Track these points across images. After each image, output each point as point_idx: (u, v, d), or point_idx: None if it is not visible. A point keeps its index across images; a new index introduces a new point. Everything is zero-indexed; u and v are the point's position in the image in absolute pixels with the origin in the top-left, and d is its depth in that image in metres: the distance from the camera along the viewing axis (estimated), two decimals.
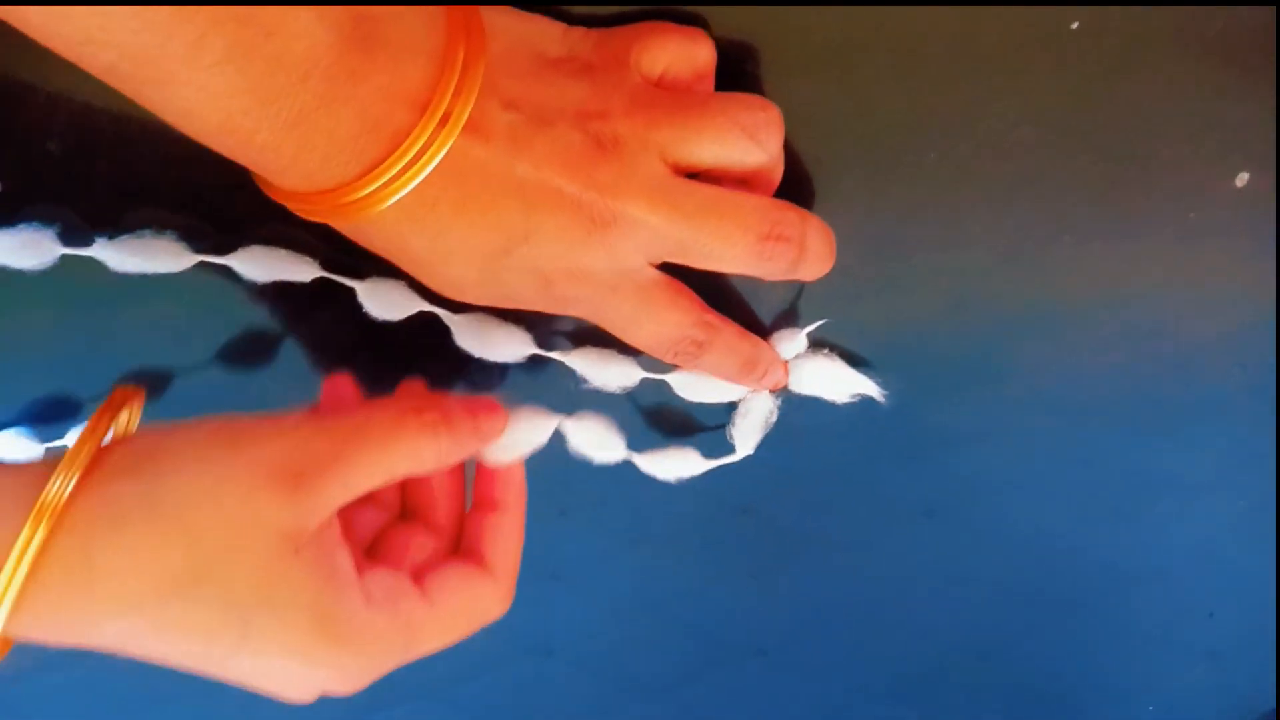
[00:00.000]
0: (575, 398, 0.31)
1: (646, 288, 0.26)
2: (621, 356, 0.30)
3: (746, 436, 0.31)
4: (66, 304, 0.30)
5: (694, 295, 0.27)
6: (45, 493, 0.21)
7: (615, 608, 0.35)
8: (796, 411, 0.32)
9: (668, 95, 0.25)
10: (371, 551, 0.26)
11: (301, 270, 0.29)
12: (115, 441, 0.23)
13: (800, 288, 0.31)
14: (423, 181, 0.23)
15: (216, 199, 0.29)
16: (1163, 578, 0.36)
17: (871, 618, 0.36)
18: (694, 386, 0.30)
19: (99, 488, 0.21)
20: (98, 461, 0.22)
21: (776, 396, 0.31)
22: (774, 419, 0.31)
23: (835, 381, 0.31)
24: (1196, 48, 0.29)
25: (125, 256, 0.28)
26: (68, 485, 0.21)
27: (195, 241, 0.29)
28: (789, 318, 0.31)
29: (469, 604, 0.25)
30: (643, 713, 0.37)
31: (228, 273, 0.29)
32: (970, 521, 0.35)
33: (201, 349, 0.31)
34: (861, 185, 0.30)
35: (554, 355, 0.30)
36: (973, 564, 0.35)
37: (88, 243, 0.28)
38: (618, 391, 0.31)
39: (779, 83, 0.28)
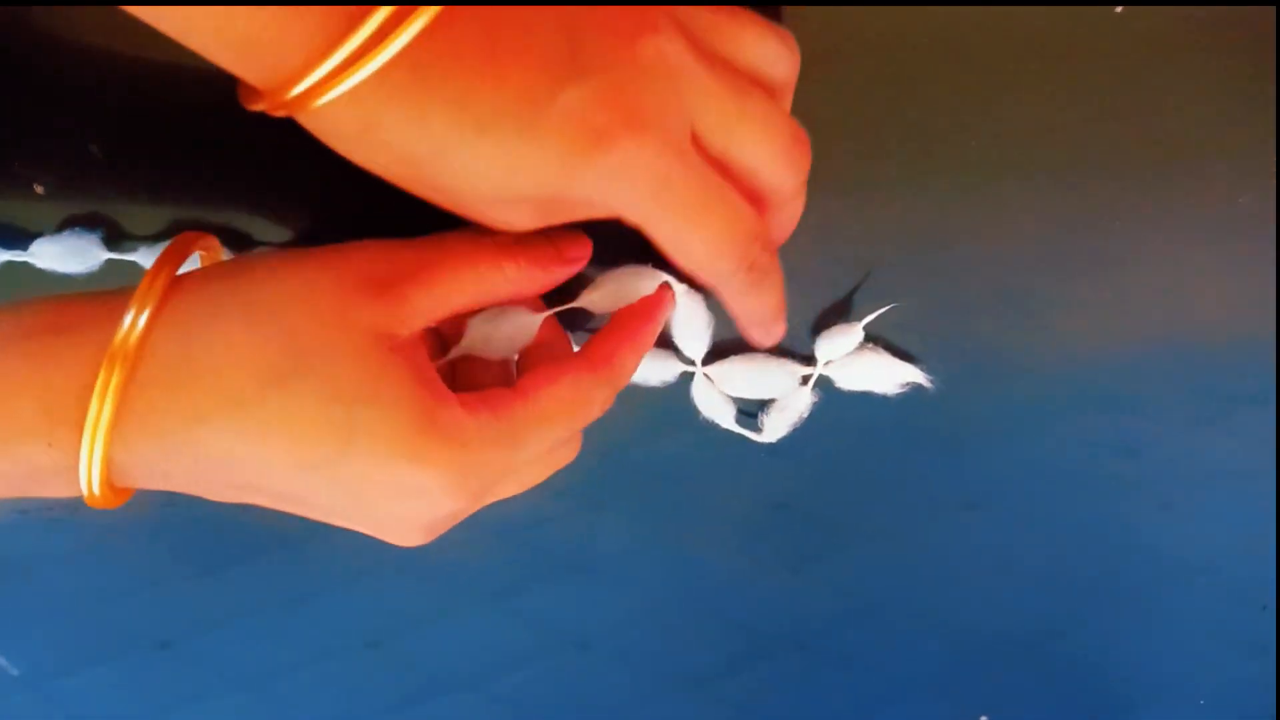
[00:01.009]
0: (623, 392, 0.31)
1: (706, 165, 0.22)
2: (659, 351, 0.30)
3: (778, 426, 0.31)
4: None
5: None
6: (118, 331, 0.20)
7: (653, 601, 0.35)
8: (832, 406, 0.31)
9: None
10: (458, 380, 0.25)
11: None
12: (192, 270, 0.23)
13: (858, 282, 0.30)
14: (439, 29, 0.18)
15: (259, 203, 0.29)
16: (1214, 570, 0.36)
17: (913, 611, 0.36)
18: (735, 380, 0.30)
19: (195, 288, 0.21)
20: (176, 287, 0.21)
21: (818, 391, 0.31)
22: (806, 414, 0.31)
23: (883, 374, 0.30)
24: (1245, 30, 0.28)
25: None
26: (140, 320, 0.20)
27: (237, 246, 0.29)
28: (842, 310, 0.31)
29: (569, 393, 0.23)
30: (681, 706, 0.37)
31: None
32: (1014, 513, 0.34)
33: None
34: (903, 174, 0.29)
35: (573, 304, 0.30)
36: (1016, 556, 0.35)
37: (131, 248, 0.29)
38: (658, 386, 0.31)
39: (819, 72, 0.27)
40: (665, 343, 0.30)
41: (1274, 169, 0.29)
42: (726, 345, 0.31)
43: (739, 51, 0.23)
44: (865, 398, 0.31)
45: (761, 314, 0.26)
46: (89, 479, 0.21)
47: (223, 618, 0.34)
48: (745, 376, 0.30)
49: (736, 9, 0.23)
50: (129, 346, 0.20)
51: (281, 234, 0.29)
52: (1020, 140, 0.29)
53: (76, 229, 0.28)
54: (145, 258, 0.28)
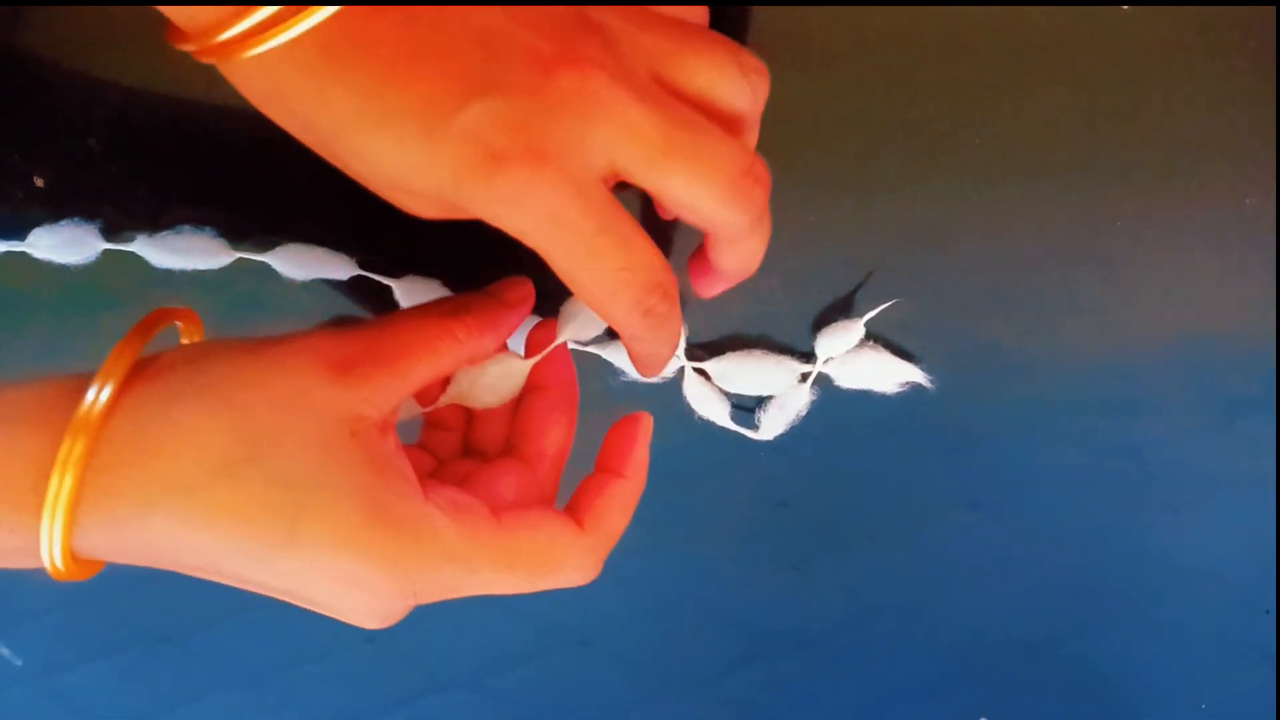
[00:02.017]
0: (613, 391, 0.31)
1: (612, 204, 0.21)
2: None
3: (775, 423, 0.31)
4: (107, 299, 0.30)
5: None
6: (82, 405, 0.20)
7: (653, 600, 0.35)
8: (834, 405, 0.31)
9: (667, 14, 0.22)
10: (442, 478, 0.24)
11: (339, 268, 0.29)
12: (161, 351, 0.23)
13: (860, 282, 0.30)
14: (359, 16, 0.18)
15: (256, 196, 0.29)
16: (1217, 574, 0.35)
17: (914, 611, 0.36)
18: (735, 377, 0.30)
19: (153, 379, 0.21)
20: (147, 363, 0.21)
21: (816, 390, 0.31)
22: (804, 412, 0.31)
23: (883, 372, 0.30)
24: (1249, 31, 0.28)
25: (165, 253, 0.28)
26: (102, 394, 0.20)
27: (235, 238, 0.29)
28: (843, 308, 0.30)
29: (545, 544, 0.22)
30: (681, 706, 0.37)
31: (267, 270, 0.29)
32: (1017, 514, 0.34)
33: None
34: (903, 174, 0.29)
35: (590, 349, 0.30)
36: (1019, 557, 0.35)
37: (129, 239, 0.29)
38: (658, 383, 0.30)
39: (818, 71, 0.27)
40: None
41: (1274, 170, 0.29)
42: (725, 341, 0.31)
43: (689, 80, 0.21)
44: (865, 397, 0.31)
45: (649, 361, 0.25)
46: (50, 557, 0.21)
47: (223, 613, 0.34)
48: (743, 373, 0.30)
49: (698, 32, 0.22)
50: (92, 419, 0.20)
51: (276, 226, 0.29)
52: (1022, 140, 0.29)
53: (74, 219, 0.28)
54: (143, 248, 0.28)
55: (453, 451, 0.27)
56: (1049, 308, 0.31)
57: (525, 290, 0.25)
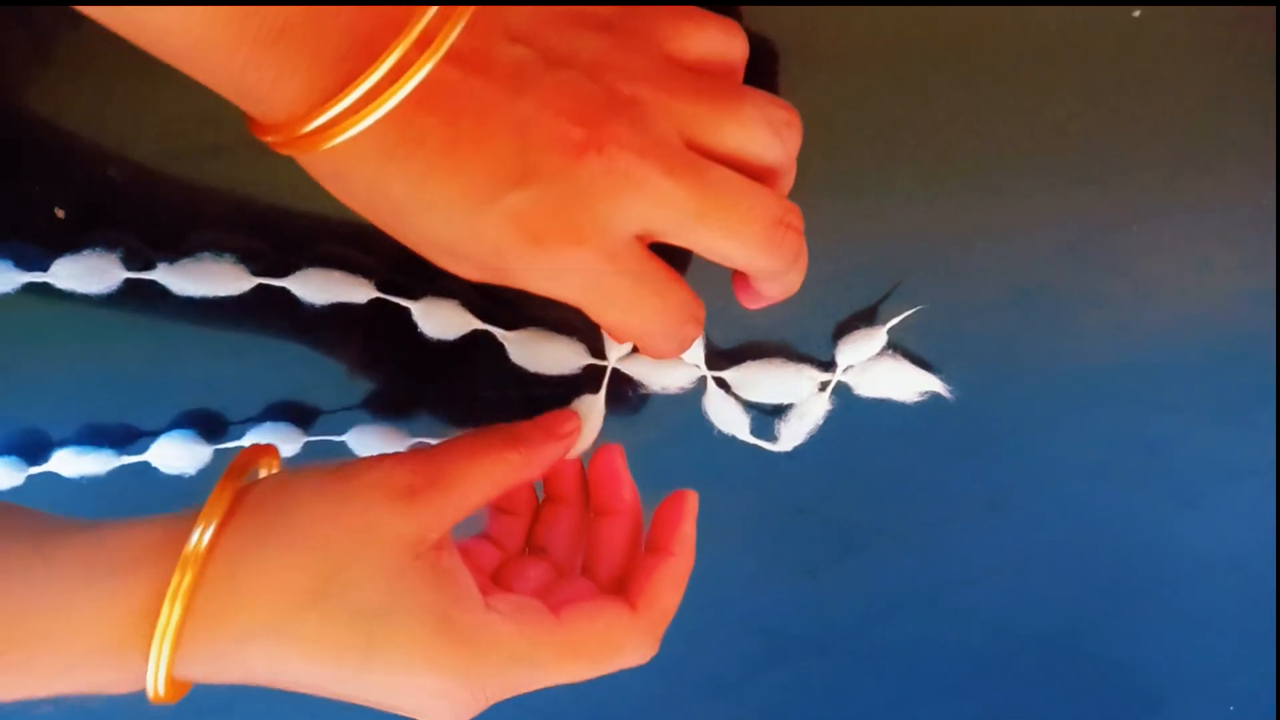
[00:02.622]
0: (634, 404, 0.31)
1: (645, 259, 0.23)
2: (677, 359, 0.30)
3: (795, 434, 0.31)
4: (129, 327, 0.30)
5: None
6: (188, 544, 0.23)
7: None
8: (849, 410, 0.31)
9: (694, 75, 0.23)
10: (503, 581, 0.27)
11: (357, 292, 0.29)
12: (250, 485, 0.25)
13: (889, 290, 0.30)
14: (410, 114, 0.20)
15: (274, 222, 0.29)
16: (1238, 567, 0.35)
17: (935, 612, 0.36)
18: (754, 385, 0.30)
19: (239, 525, 0.24)
20: (237, 503, 0.24)
21: (835, 398, 0.31)
22: (822, 420, 0.31)
23: (902, 382, 0.30)
24: (1261, 27, 0.27)
25: (186, 280, 0.29)
26: (205, 534, 0.23)
27: (253, 264, 0.29)
28: (867, 317, 0.30)
29: (604, 632, 0.25)
30: (704, 711, 0.37)
31: (286, 295, 0.29)
32: (1035, 513, 0.34)
33: (259, 372, 0.31)
34: (920, 177, 0.29)
35: (610, 363, 0.30)
36: (1038, 556, 0.35)
37: (150, 266, 0.29)
38: (677, 393, 0.31)
39: (833, 75, 0.27)
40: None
41: (1275, 170, 0.29)
42: (745, 349, 0.31)
43: (720, 142, 0.23)
44: (880, 404, 0.31)
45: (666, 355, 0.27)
46: (154, 684, 0.23)
47: None
48: (763, 382, 0.30)
49: (728, 92, 0.23)
50: (198, 555, 0.23)
51: (302, 254, 0.29)
52: (1036, 143, 0.29)
53: (96, 248, 0.28)
54: (164, 276, 0.29)
55: (519, 539, 0.29)
56: (1066, 307, 0.31)
57: (574, 423, 0.28)
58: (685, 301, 0.24)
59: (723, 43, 0.24)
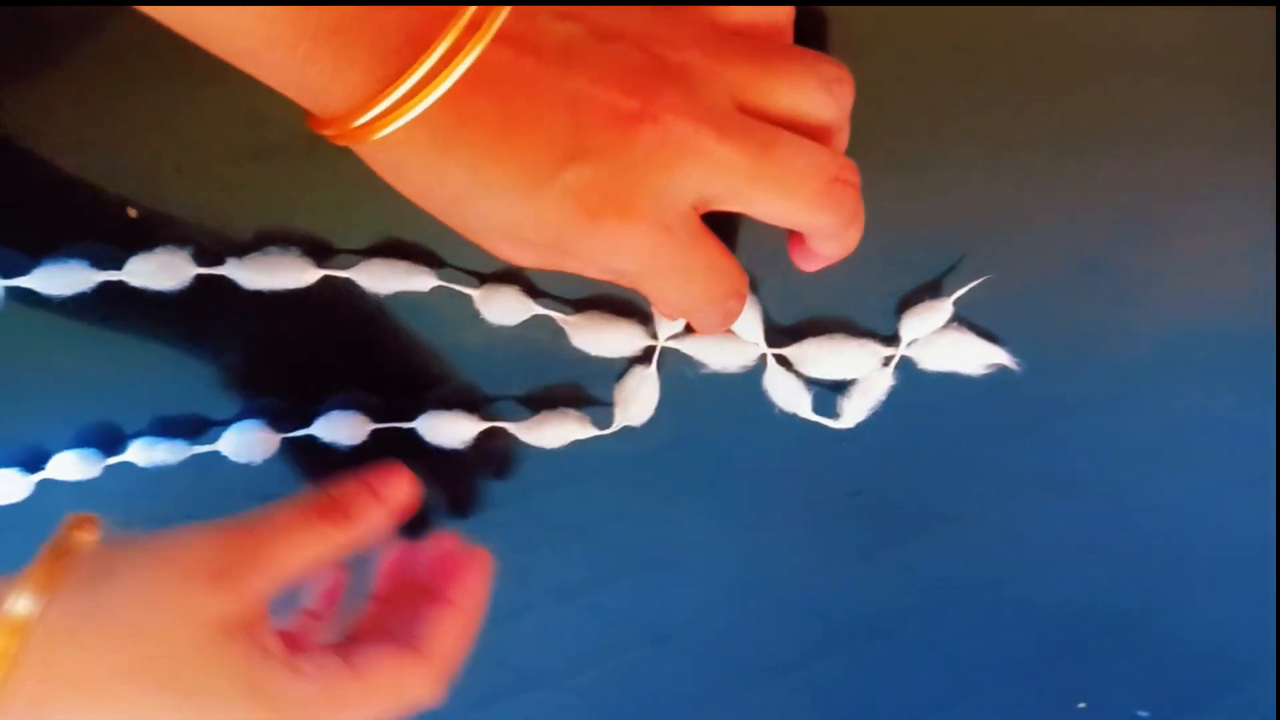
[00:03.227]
0: (694, 384, 0.31)
1: (699, 233, 0.23)
2: (736, 337, 0.30)
3: (857, 410, 0.31)
4: (200, 321, 0.31)
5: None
6: (11, 611, 0.24)
7: (729, 593, 0.35)
8: (908, 389, 0.31)
9: (741, 39, 0.23)
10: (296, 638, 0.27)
11: (420, 281, 0.29)
12: (70, 558, 0.26)
13: (954, 263, 0.30)
14: (461, 98, 0.21)
15: (336, 211, 0.30)
16: None
17: (997, 595, 0.35)
18: (816, 361, 0.30)
19: (59, 604, 0.24)
20: (59, 577, 0.25)
21: (898, 374, 0.31)
22: (884, 396, 0.31)
23: (968, 354, 0.30)
24: None
25: (254, 274, 0.29)
26: (34, 605, 0.24)
27: (318, 256, 0.30)
28: (931, 290, 0.30)
29: (396, 682, 0.26)
30: (759, 697, 0.37)
31: (350, 286, 0.30)
32: (1103, 492, 0.34)
33: (327, 361, 0.32)
34: (980, 150, 0.29)
35: (669, 343, 0.30)
36: (1104, 536, 0.34)
37: (219, 262, 0.29)
38: (738, 372, 0.31)
39: (887, 51, 0.27)
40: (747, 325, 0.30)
41: (1275, 168, 0.28)
42: (806, 325, 0.31)
43: (773, 103, 0.23)
44: (945, 379, 0.31)
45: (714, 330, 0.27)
46: None
47: None
48: (825, 357, 0.30)
49: (777, 53, 0.23)
50: (27, 623, 0.24)
51: (360, 241, 0.30)
52: (1099, 110, 0.28)
53: (168, 246, 0.29)
54: (233, 270, 0.29)
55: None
56: (1134, 279, 0.31)
57: (399, 483, 0.27)
58: (733, 275, 0.24)
59: (767, 8, 0.24)
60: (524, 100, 0.21)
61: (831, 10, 0.27)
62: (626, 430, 0.31)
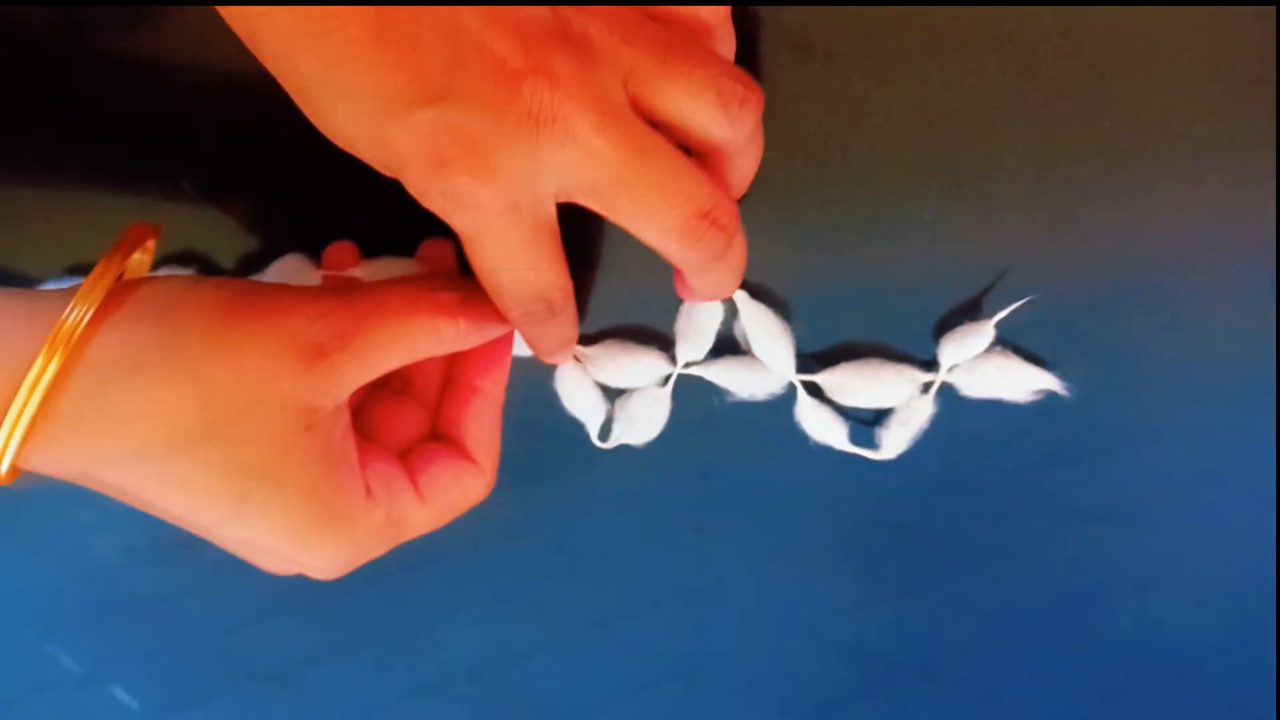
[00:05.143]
0: (720, 413, 0.29)
1: (543, 224, 0.21)
2: (763, 364, 0.29)
3: (898, 441, 0.29)
4: None
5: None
6: (60, 323, 0.21)
7: (763, 629, 0.34)
8: (951, 416, 0.29)
9: (656, 27, 0.21)
10: (360, 424, 0.25)
11: None
12: (137, 281, 0.23)
13: (992, 282, 0.28)
14: None
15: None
16: None
17: (1049, 631, 0.33)
18: (850, 390, 0.28)
19: (120, 327, 0.21)
20: (119, 299, 0.21)
21: (938, 402, 0.29)
22: (926, 425, 0.29)
23: (1013, 380, 0.28)
24: None
25: (377, 277, 0.28)
26: (84, 316, 0.21)
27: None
28: (969, 311, 0.28)
29: (459, 497, 0.25)
30: None
31: None
32: (1161, 525, 0.32)
33: None
34: (1027, 162, 0.27)
35: (693, 371, 0.29)
36: (1163, 570, 0.32)
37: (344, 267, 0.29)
38: (766, 399, 0.29)
39: (925, 59, 0.26)
40: (775, 352, 0.29)
41: (1275, 168, 0.26)
42: (838, 350, 0.29)
43: (662, 104, 0.21)
44: (989, 406, 0.29)
45: (543, 348, 0.25)
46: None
47: (332, 651, 0.34)
48: (860, 385, 0.28)
49: (683, 50, 0.21)
50: (72, 335, 0.21)
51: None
52: (1156, 118, 0.27)
53: (294, 253, 0.29)
54: (359, 274, 0.28)
55: None
56: (1191, 298, 0.29)
57: None
58: (552, 282, 0.22)
59: (690, 10, 0.22)
60: (405, 14, 0.19)
61: (869, 18, 0.26)
62: (654, 457, 0.30)
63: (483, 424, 0.25)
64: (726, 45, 0.23)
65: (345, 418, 0.23)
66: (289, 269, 0.28)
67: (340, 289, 0.23)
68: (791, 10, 0.26)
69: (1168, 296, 0.29)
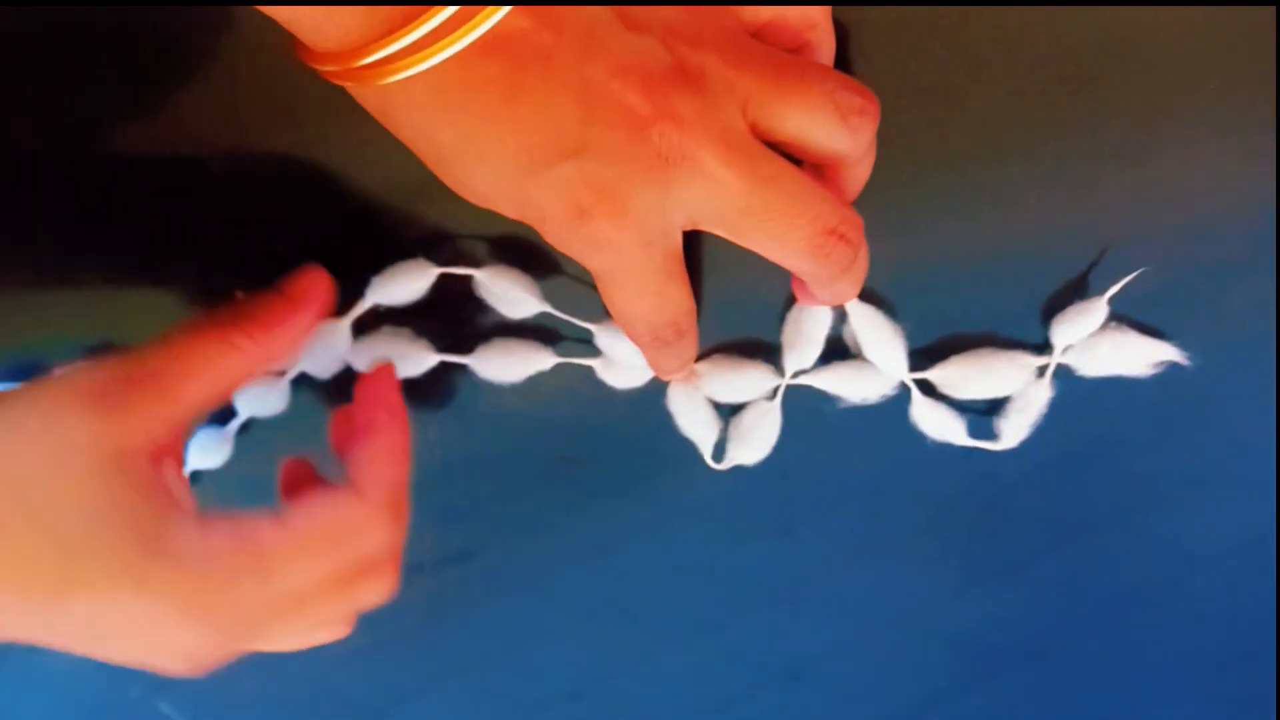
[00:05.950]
0: (832, 420, 0.29)
1: (671, 254, 0.23)
2: (873, 366, 0.29)
3: (1019, 429, 0.29)
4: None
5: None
6: None
7: (863, 624, 0.34)
8: (1068, 397, 0.29)
9: (765, 48, 0.22)
10: None
11: (540, 360, 0.29)
12: None
13: (1095, 259, 0.28)
14: (471, 59, 0.19)
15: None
16: None
17: (1163, 606, 0.33)
18: (963, 383, 0.28)
19: None
20: None
21: (1056, 384, 0.29)
22: (1045, 409, 0.29)
23: (1132, 355, 0.28)
24: None
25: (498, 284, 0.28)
26: None
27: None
28: (1077, 289, 0.28)
29: (330, 523, 0.22)
30: None
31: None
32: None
33: None
34: (1129, 135, 0.27)
35: (803, 381, 0.29)
36: None
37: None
38: (878, 401, 0.29)
39: (1023, 41, 0.25)
40: (886, 356, 0.29)
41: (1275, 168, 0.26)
42: (947, 343, 0.29)
43: (780, 125, 0.22)
44: (1109, 382, 0.29)
45: (666, 369, 0.27)
46: None
47: (426, 685, 0.34)
48: (973, 377, 0.28)
49: (797, 70, 0.22)
50: None
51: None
52: (1263, 79, 0.26)
53: (408, 260, 0.28)
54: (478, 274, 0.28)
55: None
56: None
57: (314, 283, 0.25)
58: (679, 309, 0.24)
59: (801, 10, 0.23)
60: (536, 77, 0.20)
61: (957, 10, 0.26)
62: (763, 469, 0.30)
63: (375, 458, 0.24)
64: (827, 43, 0.24)
65: (170, 465, 0.22)
66: (410, 270, 0.28)
67: (137, 347, 0.23)
68: (878, 10, 0.26)
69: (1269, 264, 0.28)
